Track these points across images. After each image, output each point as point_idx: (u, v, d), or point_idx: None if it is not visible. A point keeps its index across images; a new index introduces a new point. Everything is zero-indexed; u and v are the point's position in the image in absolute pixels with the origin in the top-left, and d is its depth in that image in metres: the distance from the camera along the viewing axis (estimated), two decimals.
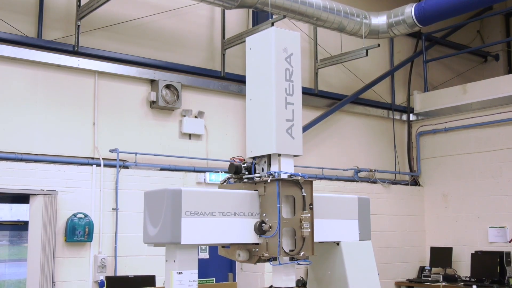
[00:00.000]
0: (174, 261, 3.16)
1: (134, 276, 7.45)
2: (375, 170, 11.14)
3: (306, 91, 9.75)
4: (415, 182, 11.91)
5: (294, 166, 3.53)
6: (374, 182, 11.10)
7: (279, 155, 3.44)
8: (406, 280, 11.06)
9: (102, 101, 8.15)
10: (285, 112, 3.46)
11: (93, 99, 8.07)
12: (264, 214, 3.34)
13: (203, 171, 8.79)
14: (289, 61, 3.56)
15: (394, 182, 11.55)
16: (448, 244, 11.10)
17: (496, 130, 10.79)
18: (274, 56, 3.50)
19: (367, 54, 9.67)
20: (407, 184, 11.74)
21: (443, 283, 10.33)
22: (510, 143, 10.55)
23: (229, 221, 3.26)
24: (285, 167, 3.46)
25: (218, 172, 8.76)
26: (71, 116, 7.86)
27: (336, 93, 10.90)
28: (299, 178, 3.42)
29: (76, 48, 7.84)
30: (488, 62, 13.78)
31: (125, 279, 7.43)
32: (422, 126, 11.96)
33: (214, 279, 8.09)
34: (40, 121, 7.59)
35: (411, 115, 12.13)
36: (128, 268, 7.87)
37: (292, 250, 3.36)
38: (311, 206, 3.45)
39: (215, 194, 3.31)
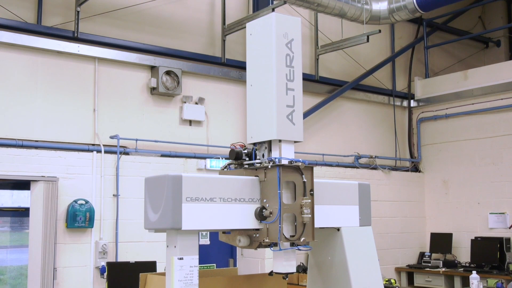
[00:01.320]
0: (175, 246, 3.17)
1: (135, 262, 7.47)
2: (375, 157, 11.15)
3: (306, 77, 9.73)
4: (415, 168, 11.92)
5: (295, 152, 3.53)
6: (375, 168, 11.11)
7: (280, 141, 3.44)
8: (406, 265, 11.11)
9: (102, 87, 8.13)
10: (286, 98, 3.45)
11: (93, 86, 8.06)
12: (265, 200, 3.35)
13: (204, 158, 8.79)
14: (290, 47, 3.54)
15: (395, 169, 11.56)
16: (448, 230, 11.13)
17: (497, 116, 10.78)
18: (275, 42, 3.48)
19: (368, 40, 9.64)
20: (407, 171, 11.75)
21: (443, 269, 10.38)
22: (511, 129, 10.54)
23: (229, 207, 3.27)
24: (285, 153, 3.45)
25: (219, 158, 8.77)
26: (71, 102, 7.85)
27: (337, 79, 10.87)
28: (300, 164, 3.41)
29: (76, 34, 7.81)
30: (489, 48, 13.73)
31: (126, 264, 7.45)
32: (422, 112, 11.95)
33: (214, 265, 8.13)
34: (40, 107, 7.58)
35: (412, 101, 12.11)
36: (129, 254, 7.90)
37: (293, 236, 3.36)
38: (312, 192, 3.45)
39: (215, 180, 3.31)
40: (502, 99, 10.60)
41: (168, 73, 8.54)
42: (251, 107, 3.63)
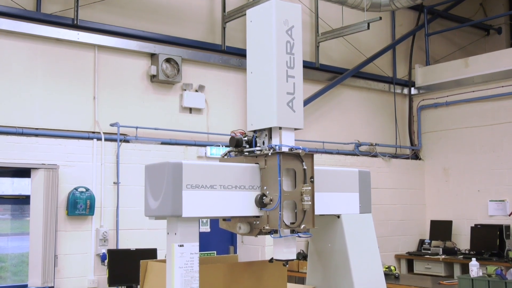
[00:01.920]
0: (175, 234, 3.17)
1: (136, 249, 7.50)
2: (375, 144, 11.15)
3: (307, 65, 9.71)
4: (415, 156, 11.92)
5: (295, 140, 3.53)
6: (375, 156, 11.12)
7: (280, 128, 3.43)
8: (406, 253, 11.14)
9: (102, 75, 8.12)
10: (286, 85, 3.44)
11: (93, 73, 8.04)
12: (265, 187, 3.34)
13: (204, 145, 8.80)
14: (290, 34, 3.53)
15: (395, 156, 11.56)
16: (448, 218, 11.15)
17: (497, 104, 10.77)
18: (275, 29, 3.46)
19: (368, 28, 9.60)
20: (407, 158, 11.76)
21: (443, 256, 10.41)
22: (511, 117, 10.53)
23: (230, 194, 3.27)
24: (286, 140, 3.45)
25: (219, 146, 8.77)
26: (71, 90, 7.84)
27: (337, 66, 10.85)
28: (300, 151, 3.41)
29: (75, 22, 7.79)
30: (490, 35, 13.69)
31: (127, 252, 7.48)
32: (423, 100, 11.93)
33: (215, 252, 8.16)
34: (40, 95, 7.58)
35: (412, 89, 12.10)
36: (129, 242, 7.92)
37: (293, 223, 3.36)
38: (312, 179, 3.45)
39: (216, 167, 3.31)
40: (502, 86, 10.58)
41: (168, 60, 8.52)
42: (251, 95, 3.62)
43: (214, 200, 3.22)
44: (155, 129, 8.40)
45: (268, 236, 3.41)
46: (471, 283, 6.82)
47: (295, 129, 3.53)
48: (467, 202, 11.11)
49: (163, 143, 8.43)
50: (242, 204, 3.31)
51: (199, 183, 3.17)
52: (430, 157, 11.81)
